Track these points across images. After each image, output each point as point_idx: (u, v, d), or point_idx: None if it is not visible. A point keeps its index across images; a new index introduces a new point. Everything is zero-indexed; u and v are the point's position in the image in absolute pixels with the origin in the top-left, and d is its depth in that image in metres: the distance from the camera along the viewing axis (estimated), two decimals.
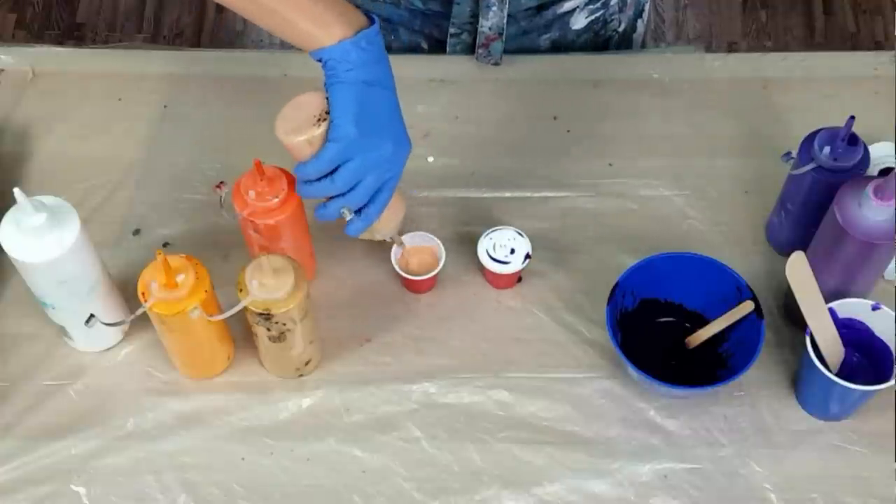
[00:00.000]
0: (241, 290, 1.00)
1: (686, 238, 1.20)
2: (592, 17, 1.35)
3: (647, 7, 1.43)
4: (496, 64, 1.32)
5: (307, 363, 1.10)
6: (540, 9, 1.31)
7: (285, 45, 1.42)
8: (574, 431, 1.09)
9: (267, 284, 0.99)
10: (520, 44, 1.34)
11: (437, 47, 1.36)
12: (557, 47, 1.37)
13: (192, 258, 1.02)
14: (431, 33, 1.35)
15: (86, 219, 1.05)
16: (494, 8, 1.25)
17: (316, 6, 0.97)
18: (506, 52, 1.32)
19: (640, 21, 1.42)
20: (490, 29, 1.28)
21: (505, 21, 1.27)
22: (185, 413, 1.10)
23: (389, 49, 1.39)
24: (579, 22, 1.35)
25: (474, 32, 1.30)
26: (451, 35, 1.33)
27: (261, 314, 1.00)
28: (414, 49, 1.37)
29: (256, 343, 1.08)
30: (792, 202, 1.12)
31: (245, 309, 1.00)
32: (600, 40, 1.39)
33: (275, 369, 1.11)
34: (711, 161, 1.26)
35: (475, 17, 1.27)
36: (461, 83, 1.33)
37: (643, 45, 1.47)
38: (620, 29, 1.39)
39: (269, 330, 1.02)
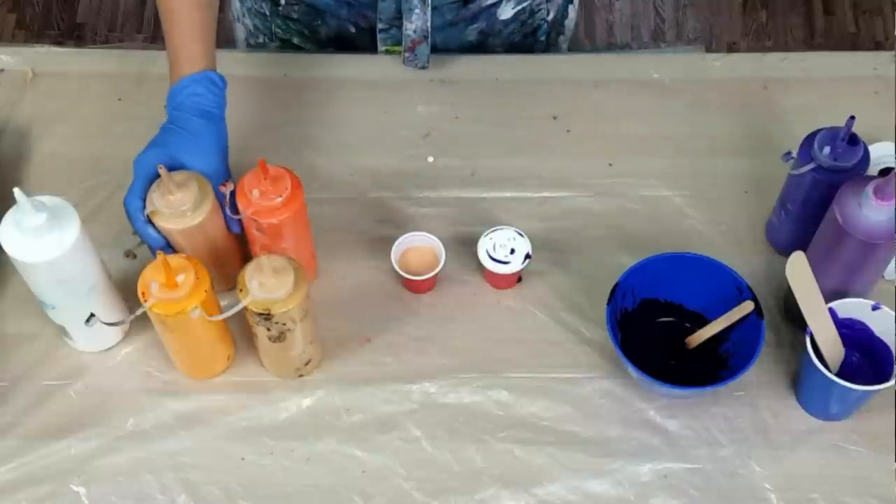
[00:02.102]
0: (241, 290, 1.00)
1: (686, 238, 1.20)
2: (519, 7, 1.34)
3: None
4: (423, 68, 1.31)
5: (307, 363, 1.10)
6: (466, 1, 1.31)
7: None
8: (574, 431, 1.09)
9: (267, 284, 0.99)
10: (446, 35, 1.33)
11: (365, 35, 1.35)
12: (485, 38, 1.37)
13: (192, 258, 1.02)
14: (358, 22, 1.35)
15: (86, 219, 1.05)
16: (417, 10, 1.25)
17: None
18: (432, 45, 1.31)
19: (570, 7, 1.42)
20: (415, 32, 1.27)
21: (429, 24, 1.26)
22: (185, 413, 1.10)
23: (318, 35, 1.37)
24: (506, 13, 1.34)
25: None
26: (380, 30, 1.33)
27: (261, 314, 1.00)
28: (343, 34, 1.36)
29: (256, 343, 1.08)
30: (792, 202, 1.12)
31: (245, 309, 1.00)
32: (528, 30, 1.39)
33: (275, 369, 1.11)
34: (711, 161, 1.26)
35: (401, 14, 1.27)
36: (461, 83, 1.33)
37: (576, 34, 1.46)
38: (549, 17, 1.38)
39: (269, 330, 1.02)
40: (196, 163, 1.06)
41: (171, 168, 1.04)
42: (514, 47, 1.38)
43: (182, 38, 1.10)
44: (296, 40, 1.40)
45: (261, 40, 1.42)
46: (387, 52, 1.35)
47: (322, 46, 1.39)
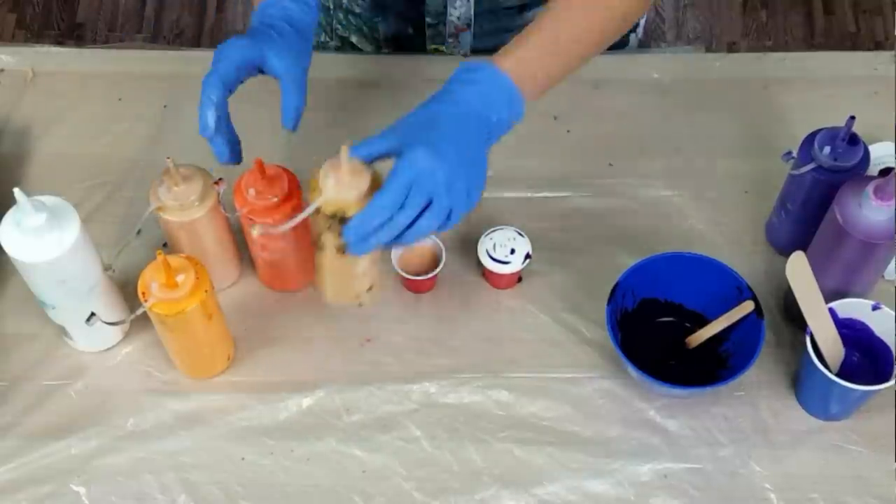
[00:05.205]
0: (313, 191, 0.94)
1: (686, 238, 1.20)
2: None
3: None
4: (465, 55, 1.32)
5: (369, 289, 1.02)
6: (522, 9, 1.31)
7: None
8: (574, 431, 1.09)
9: (344, 182, 0.93)
10: (498, 41, 1.33)
11: (421, 36, 1.36)
12: None
13: (192, 258, 1.02)
14: (415, 18, 1.35)
15: (86, 219, 1.05)
16: None
17: None
18: (483, 49, 1.32)
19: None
20: (458, 19, 1.28)
21: (472, 12, 1.27)
22: (185, 413, 1.10)
23: (376, 33, 1.38)
24: None
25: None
26: (428, 25, 1.33)
27: (333, 217, 0.93)
28: (400, 34, 1.37)
29: (318, 263, 0.99)
30: (792, 202, 1.12)
31: (314, 215, 0.94)
32: None
33: (335, 294, 1.02)
34: (711, 161, 1.26)
35: (447, 8, 1.28)
36: None
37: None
38: None
39: (340, 236, 0.94)
40: (279, 62, 1.02)
41: (252, 64, 1.00)
42: None
43: None
44: (354, 39, 1.40)
45: (322, 38, 1.42)
46: (434, 50, 1.36)
47: (378, 48, 1.40)
